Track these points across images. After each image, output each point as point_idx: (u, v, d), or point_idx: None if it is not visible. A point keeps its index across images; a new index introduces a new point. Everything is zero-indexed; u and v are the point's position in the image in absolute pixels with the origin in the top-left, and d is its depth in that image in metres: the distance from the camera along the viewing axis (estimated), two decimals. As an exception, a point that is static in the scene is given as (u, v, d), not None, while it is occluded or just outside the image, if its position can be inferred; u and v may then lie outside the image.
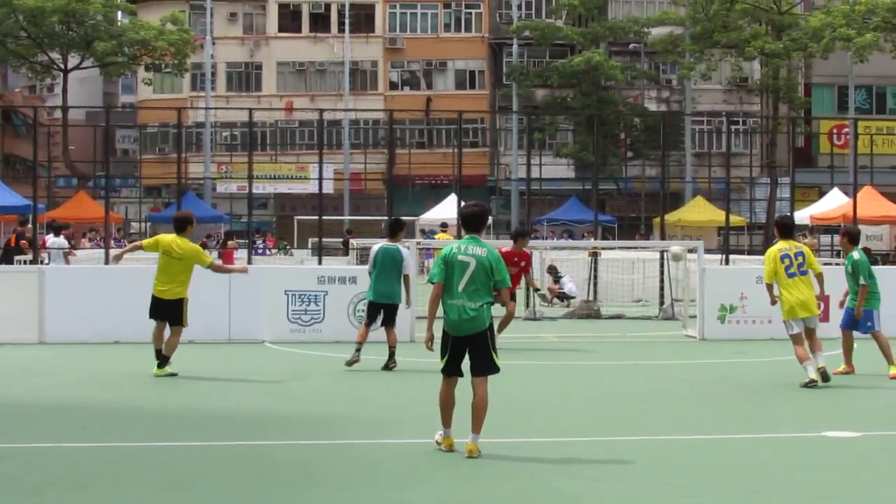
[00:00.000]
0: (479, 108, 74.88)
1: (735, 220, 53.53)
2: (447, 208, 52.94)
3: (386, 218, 29.23)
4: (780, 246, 18.16)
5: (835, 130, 70.77)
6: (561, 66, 71.67)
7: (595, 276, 32.97)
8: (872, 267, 19.55)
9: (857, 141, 43.48)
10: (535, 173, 40.08)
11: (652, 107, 75.74)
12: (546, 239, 56.48)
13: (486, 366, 12.01)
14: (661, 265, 31.98)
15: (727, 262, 32.98)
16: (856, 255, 19.23)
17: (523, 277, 23.49)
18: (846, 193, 47.43)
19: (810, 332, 17.98)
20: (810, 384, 17.41)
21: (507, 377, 13.74)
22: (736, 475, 11.45)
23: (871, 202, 46.05)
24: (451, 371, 12.12)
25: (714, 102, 76.21)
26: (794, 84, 69.33)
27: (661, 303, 31.61)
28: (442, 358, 12.14)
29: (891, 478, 11.40)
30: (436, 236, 35.84)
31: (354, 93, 76.05)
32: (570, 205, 64.56)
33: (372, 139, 77.40)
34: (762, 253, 24.59)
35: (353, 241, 42.66)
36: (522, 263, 22.98)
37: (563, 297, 35.30)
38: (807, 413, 15.55)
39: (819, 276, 18.30)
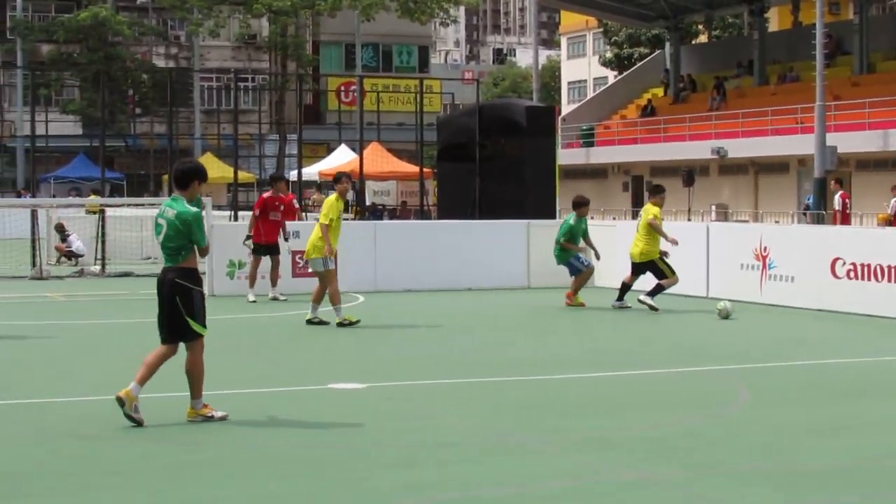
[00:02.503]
0: None
1: (244, 176, 53.78)
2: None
3: None
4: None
5: (342, 88, 72.14)
6: (67, 20, 70.19)
7: (103, 234, 32.38)
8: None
9: (363, 98, 44.53)
10: (40, 130, 39.17)
11: (160, 63, 75.17)
12: (54, 197, 55.33)
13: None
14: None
15: (236, 218, 33.20)
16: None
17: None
18: (353, 149, 48.42)
19: None
20: None
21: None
22: (237, 430, 11.35)
23: (377, 158, 47.28)
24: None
25: (223, 59, 76.29)
26: (303, 42, 70.29)
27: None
28: None
29: (392, 426, 11.62)
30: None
31: None
32: (78, 162, 63.43)
33: None
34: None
35: None
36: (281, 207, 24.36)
37: (72, 255, 34.57)
38: (314, 366, 15.72)
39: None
